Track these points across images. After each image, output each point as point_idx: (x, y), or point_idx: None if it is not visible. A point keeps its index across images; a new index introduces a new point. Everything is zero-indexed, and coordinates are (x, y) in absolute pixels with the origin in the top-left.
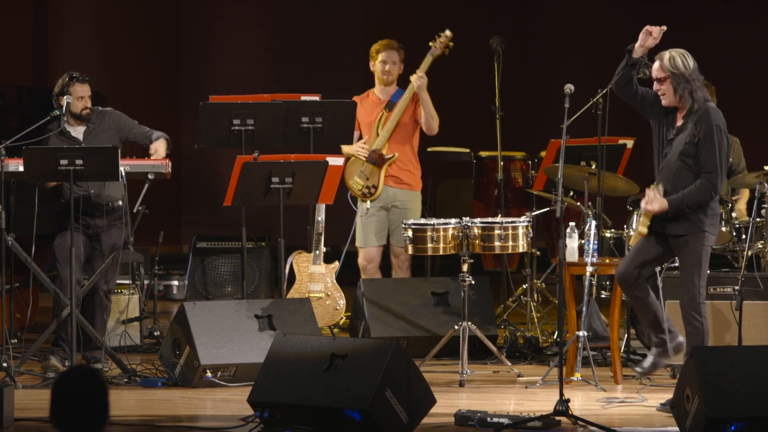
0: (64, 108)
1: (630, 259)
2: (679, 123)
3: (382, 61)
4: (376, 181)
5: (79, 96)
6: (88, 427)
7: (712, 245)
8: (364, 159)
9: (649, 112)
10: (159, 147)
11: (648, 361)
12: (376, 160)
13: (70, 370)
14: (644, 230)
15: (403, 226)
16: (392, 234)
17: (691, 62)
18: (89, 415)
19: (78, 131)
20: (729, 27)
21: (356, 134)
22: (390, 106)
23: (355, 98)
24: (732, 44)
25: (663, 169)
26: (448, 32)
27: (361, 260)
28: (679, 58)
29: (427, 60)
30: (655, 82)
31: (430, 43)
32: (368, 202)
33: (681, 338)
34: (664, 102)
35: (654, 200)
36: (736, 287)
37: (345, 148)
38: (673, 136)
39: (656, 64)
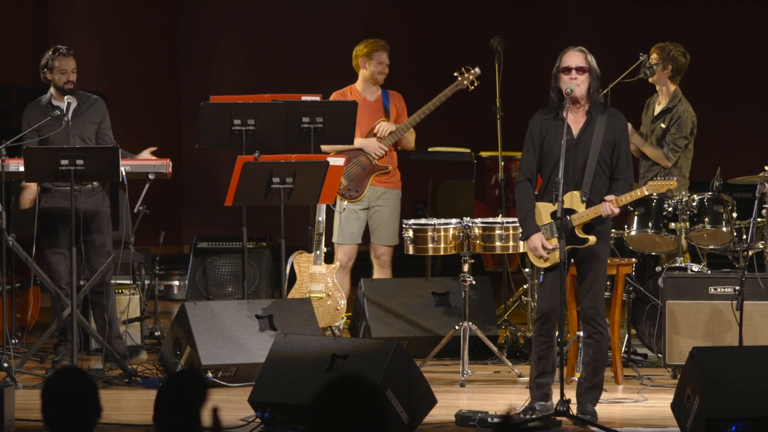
0: (65, 107)
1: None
2: None
3: (378, 63)
4: (362, 186)
5: (62, 70)
6: (79, 426)
7: None
8: (375, 157)
9: None
10: None
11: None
12: (367, 166)
13: (58, 371)
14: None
15: (404, 226)
16: (373, 233)
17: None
18: (80, 414)
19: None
20: (729, 27)
21: None
22: (386, 113)
23: (336, 94)
24: (731, 44)
25: None
26: (477, 70)
27: (341, 256)
28: None
29: (451, 89)
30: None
31: (456, 74)
32: (345, 201)
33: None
34: None
35: None
36: (737, 287)
37: (359, 141)
38: None
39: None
